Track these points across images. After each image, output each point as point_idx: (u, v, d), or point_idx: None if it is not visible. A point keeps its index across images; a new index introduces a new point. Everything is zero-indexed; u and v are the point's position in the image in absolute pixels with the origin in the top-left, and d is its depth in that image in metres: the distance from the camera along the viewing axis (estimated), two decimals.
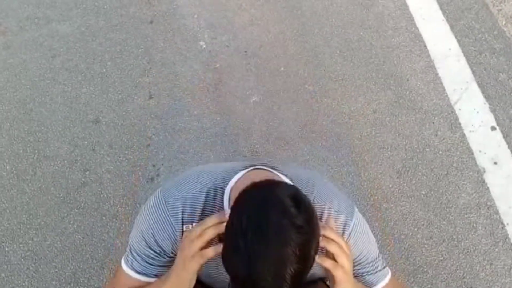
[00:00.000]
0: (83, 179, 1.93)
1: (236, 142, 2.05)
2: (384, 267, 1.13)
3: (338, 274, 0.93)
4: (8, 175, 1.94)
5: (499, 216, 1.84)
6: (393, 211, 1.86)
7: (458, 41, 2.36)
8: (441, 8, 2.50)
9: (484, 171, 1.95)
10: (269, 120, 2.11)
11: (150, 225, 1.03)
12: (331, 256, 0.94)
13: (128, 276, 1.05)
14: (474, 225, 1.83)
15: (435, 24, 2.44)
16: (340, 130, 2.07)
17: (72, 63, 2.30)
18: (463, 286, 1.70)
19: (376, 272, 1.10)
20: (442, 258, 1.76)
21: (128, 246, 1.07)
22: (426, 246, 1.78)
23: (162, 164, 1.98)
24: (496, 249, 1.77)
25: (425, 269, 1.73)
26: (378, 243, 1.75)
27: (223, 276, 1.07)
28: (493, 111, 2.12)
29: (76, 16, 2.48)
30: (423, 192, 1.91)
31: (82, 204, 1.87)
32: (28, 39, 2.38)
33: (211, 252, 0.91)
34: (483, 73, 2.24)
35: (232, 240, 0.81)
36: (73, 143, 2.03)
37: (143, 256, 1.03)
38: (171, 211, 1.02)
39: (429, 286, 1.70)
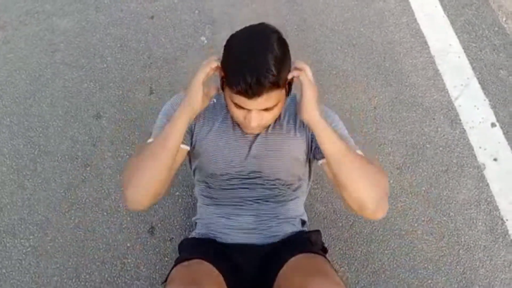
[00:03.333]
0: (84, 175, 1.93)
1: None
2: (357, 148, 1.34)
3: (304, 79, 1.15)
4: (8, 171, 1.94)
5: (499, 212, 1.85)
6: (394, 207, 1.86)
7: (459, 37, 2.36)
8: (441, 4, 2.50)
9: (484, 167, 1.96)
10: None
11: (170, 103, 1.36)
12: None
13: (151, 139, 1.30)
14: (474, 221, 1.84)
15: (435, 20, 2.44)
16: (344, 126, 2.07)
17: (73, 58, 2.29)
18: (463, 281, 1.71)
19: (351, 145, 1.31)
20: (442, 253, 1.76)
21: (151, 132, 1.34)
22: (426, 242, 1.79)
23: None
24: (496, 245, 1.78)
25: (426, 265, 1.74)
26: (378, 239, 1.76)
27: (227, 146, 1.34)
28: (493, 107, 2.13)
29: (76, 11, 2.47)
30: (424, 188, 1.91)
31: (83, 200, 1.87)
32: (28, 34, 2.38)
33: (214, 62, 1.17)
34: (484, 70, 2.25)
35: (228, 47, 1.16)
36: (74, 138, 2.03)
37: (163, 126, 1.24)
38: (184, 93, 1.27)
39: (429, 281, 1.71)
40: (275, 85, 1.10)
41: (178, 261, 1.29)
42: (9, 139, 2.02)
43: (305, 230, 1.47)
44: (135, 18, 2.44)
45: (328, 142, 1.16)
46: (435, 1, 2.52)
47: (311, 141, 1.35)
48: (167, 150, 1.19)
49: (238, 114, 1.20)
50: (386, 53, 2.32)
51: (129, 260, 1.73)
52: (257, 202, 1.36)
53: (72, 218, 1.83)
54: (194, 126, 1.35)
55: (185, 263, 1.25)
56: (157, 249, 1.76)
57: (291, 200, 1.41)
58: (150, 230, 1.79)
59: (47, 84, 2.19)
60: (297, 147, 1.36)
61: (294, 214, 1.43)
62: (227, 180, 1.36)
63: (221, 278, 1.23)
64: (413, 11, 2.48)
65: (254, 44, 1.12)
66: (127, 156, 1.97)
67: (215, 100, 1.31)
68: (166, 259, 1.74)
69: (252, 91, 1.09)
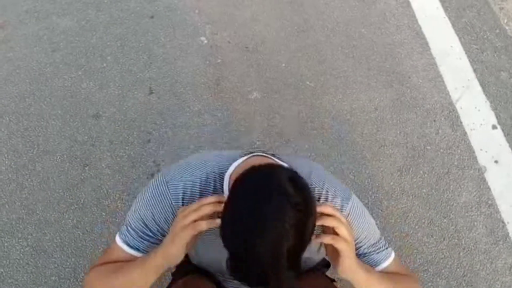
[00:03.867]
0: (82, 175, 1.92)
1: (237, 138, 2.04)
2: (387, 248, 1.14)
3: (340, 245, 0.94)
4: (7, 170, 1.93)
5: (500, 215, 1.84)
6: (394, 209, 1.86)
7: (460, 39, 2.36)
8: (443, 6, 2.49)
9: (485, 170, 1.95)
10: (270, 116, 2.11)
11: (150, 204, 1.05)
12: (330, 231, 0.96)
13: (121, 249, 1.07)
14: (475, 223, 1.83)
15: (437, 22, 2.43)
16: (341, 128, 2.07)
17: (72, 57, 2.28)
18: (464, 284, 1.70)
19: (379, 252, 1.12)
20: (442, 256, 1.76)
21: (125, 221, 1.09)
22: (427, 244, 1.78)
23: (163, 160, 1.97)
24: (497, 248, 1.77)
25: (426, 267, 1.73)
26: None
27: (216, 258, 1.08)
28: (494, 109, 2.12)
29: (76, 10, 2.46)
30: (424, 190, 1.90)
31: (82, 200, 1.86)
32: (28, 33, 2.37)
33: (203, 224, 0.92)
34: (485, 72, 2.24)
35: (231, 217, 0.84)
36: (73, 138, 2.02)
37: (139, 232, 1.05)
38: (172, 191, 1.04)
39: (429, 284, 1.70)
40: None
41: (172, 282, 1.24)
42: (8, 138, 2.01)
43: None
44: (135, 18, 2.44)
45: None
46: (437, 3, 2.51)
47: None
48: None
49: None
50: (387, 55, 2.31)
51: None
52: None
53: (71, 218, 1.82)
54: None
55: (184, 278, 1.19)
56: None
57: None
58: None
59: (46, 83, 2.18)
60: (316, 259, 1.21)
61: None
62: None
63: None
64: (414, 12, 2.47)
65: (264, 224, 0.80)
66: (126, 156, 1.96)
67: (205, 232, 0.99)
68: None
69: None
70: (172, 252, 0.95)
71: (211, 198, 0.95)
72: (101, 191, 1.88)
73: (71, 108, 2.11)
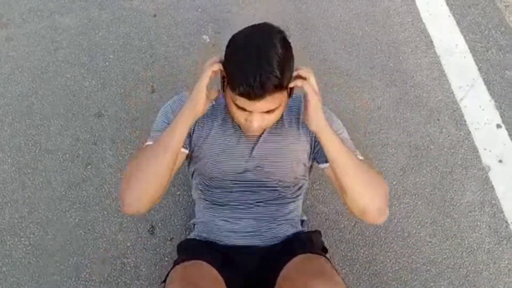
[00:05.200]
0: (84, 174, 1.92)
1: None
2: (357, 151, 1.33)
3: (308, 88, 1.13)
4: (9, 169, 1.93)
5: (504, 215, 1.83)
6: (397, 209, 1.84)
7: (465, 37, 2.34)
8: (447, 4, 2.47)
9: (489, 169, 1.94)
10: None
11: (170, 105, 1.34)
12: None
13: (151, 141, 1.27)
14: (478, 223, 1.81)
15: (441, 20, 2.41)
16: (344, 126, 2.05)
17: (75, 56, 2.28)
18: (466, 284, 1.69)
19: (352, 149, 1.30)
20: (445, 256, 1.74)
21: (150, 134, 1.30)
22: (429, 244, 1.77)
23: None
24: (500, 248, 1.76)
25: (429, 267, 1.72)
26: (380, 241, 1.75)
27: (234, 162, 1.33)
28: (498, 108, 2.10)
29: (78, 8, 2.46)
30: (427, 190, 1.89)
31: (84, 199, 1.86)
32: (31, 31, 2.37)
33: (217, 66, 1.15)
34: (490, 70, 2.22)
35: (231, 51, 1.14)
36: (75, 137, 2.02)
37: (163, 130, 1.22)
38: (186, 94, 1.33)
39: (432, 284, 1.69)
40: (278, 87, 1.09)
41: (176, 262, 1.28)
42: (11, 137, 2.02)
43: (305, 230, 1.46)
44: (138, 16, 2.43)
45: (334, 149, 1.17)
46: (441, 1, 2.49)
47: (314, 144, 1.34)
48: (168, 153, 1.17)
49: (239, 115, 1.18)
50: (390, 53, 2.30)
51: (129, 260, 1.72)
52: (258, 205, 1.35)
53: (73, 217, 1.82)
54: (194, 128, 1.33)
55: (184, 264, 1.24)
56: (157, 249, 1.75)
57: (292, 201, 1.40)
58: (151, 229, 1.78)
59: (49, 82, 2.19)
60: (300, 148, 1.35)
61: (294, 215, 1.42)
62: (227, 183, 1.35)
63: (220, 279, 1.22)
64: (418, 10, 2.45)
65: (257, 45, 1.09)
66: (128, 155, 1.96)
67: (214, 102, 1.28)
68: (166, 258, 1.73)
69: (254, 94, 1.07)
70: (198, 91, 1.16)
71: (218, 57, 1.18)
72: (103, 190, 1.88)
73: (73, 107, 2.11)
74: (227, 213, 1.36)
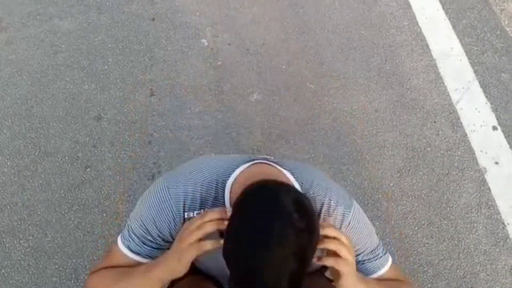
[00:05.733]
0: (84, 176, 1.93)
1: (238, 140, 2.04)
2: (385, 254, 1.15)
3: (342, 268, 0.94)
4: (9, 171, 1.94)
5: (500, 216, 1.84)
6: (394, 210, 1.86)
7: (460, 41, 2.36)
8: (443, 7, 2.50)
9: (485, 171, 1.95)
10: (271, 118, 2.11)
11: (151, 209, 1.05)
12: (332, 253, 0.95)
13: (122, 254, 1.07)
14: (475, 224, 1.83)
15: (437, 23, 2.44)
16: (341, 129, 2.07)
17: (74, 59, 2.29)
18: (464, 285, 1.70)
19: (377, 259, 1.12)
20: (442, 257, 1.76)
21: (126, 226, 1.09)
22: (426, 245, 1.78)
23: (163, 162, 1.97)
24: (497, 249, 1.77)
25: (426, 269, 1.73)
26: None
27: (221, 265, 1.01)
28: (494, 110, 2.12)
29: (78, 12, 2.48)
30: (424, 192, 1.90)
31: (83, 201, 1.87)
32: (30, 35, 2.38)
33: (209, 245, 0.92)
34: (485, 73, 2.24)
35: (234, 240, 0.84)
36: (74, 139, 2.03)
37: (140, 237, 1.05)
38: (173, 197, 1.03)
39: (429, 285, 1.70)
40: None
41: (173, 283, 1.25)
42: (10, 139, 2.03)
43: None
44: (137, 20, 2.45)
45: None
46: (437, 4, 2.51)
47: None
48: None
49: None
50: (387, 56, 2.32)
51: None
52: None
53: (72, 219, 1.83)
54: None
55: (184, 280, 1.18)
56: None
57: None
58: None
59: (48, 85, 2.20)
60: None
61: None
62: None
63: None
64: (414, 14, 2.47)
65: (265, 251, 0.80)
66: (127, 158, 1.97)
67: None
68: None
69: None
70: (177, 268, 0.95)
71: (214, 214, 0.94)
72: (102, 192, 1.89)
73: (72, 110, 2.12)
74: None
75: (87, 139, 2.03)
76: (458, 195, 1.89)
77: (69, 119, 2.09)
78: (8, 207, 1.86)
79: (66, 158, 1.98)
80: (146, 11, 2.49)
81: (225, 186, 1.03)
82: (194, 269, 1.23)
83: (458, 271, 1.73)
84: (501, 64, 2.27)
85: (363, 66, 2.28)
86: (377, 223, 1.82)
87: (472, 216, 1.84)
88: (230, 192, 1.01)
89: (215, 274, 1.19)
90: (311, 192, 1.03)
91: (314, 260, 0.88)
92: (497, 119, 2.09)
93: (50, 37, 2.38)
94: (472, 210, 1.86)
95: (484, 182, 1.93)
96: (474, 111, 2.12)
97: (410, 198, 1.89)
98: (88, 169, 1.95)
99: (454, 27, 2.41)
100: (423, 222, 1.83)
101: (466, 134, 2.05)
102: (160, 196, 1.04)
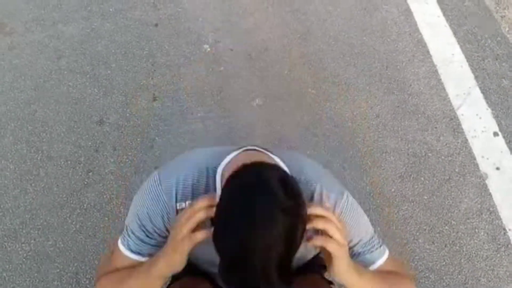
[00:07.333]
0: (86, 180, 1.94)
1: (239, 145, 2.05)
2: (381, 246, 1.13)
3: (331, 247, 0.92)
4: (11, 175, 1.95)
5: (501, 222, 1.84)
6: (395, 216, 1.86)
7: (461, 47, 2.37)
8: (444, 14, 2.51)
9: (487, 177, 1.96)
10: (272, 123, 2.12)
11: (145, 204, 1.06)
12: (321, 233, 0.93)
13: (124, 255, 1.08)
14: (476, 230, 1.83)
15: (438, 30, 2.45)
16: (342, 134, 2.08)
17: (77, 64, 2.31)
18: None
19: (373, 251, 1.11)
20: (444, 263, 1.76)
21: (125, 226, 1.10)
22: (428, 251, 1.78)
23: None
24: (498, 255, 1.77)
25: (427, 274, 1.73)
26: None
27: (211, 256, 1.02)
28: (495, 117, 2.12)
29: (81, 18, 2.50)
30: (425, 197, 1.91)
31: (85, 205, 1.87)
32: (34, 40, 2.40)
33: (200, 235, 0.92)
34: (486, 79, 2.25)
35: (222, 223, 0.84)
36: (77, 144, 2.04)
37: (138, 235, 1.06)
38: (165, 189, 1.04)
39: None
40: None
41: (175, 278, 1.24)
42: (13, 143, 2.04)
43: None
44: (140, 26, 2.47)
45: None
46: (438, 11, 2.53)
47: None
48: None
49: None
50: (388, 62, 2.33)
51: None
52: None
53: (74, 223, 1.83)
54: None
55: (182, 280, 1.20)
56: None
57: None
58: None
59: (51, 90, 2.21)
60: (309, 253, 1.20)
61: None
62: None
63: None
64: (415, 20, 2.49)
65: (252, 232, 0.80)
66: (129, 162, 1.98)
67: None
68: None
69: None
70: (175, 260, 0.95)
71: (202, 202, 0.93)
72: (104, 196, 1.89)
73: (75, 115, 2.13)
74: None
75: (90, 143, 2.04)
76: (459, 201, 1.90)
77: (72, 123, 2.10)
78: (10, 210, 1.86)
79: (69, 162, 1.99)
80: (149, 17, 2.51)
81: (215, 173, 1.02)
82: (191, 269, 1.23)
83: (459, 276, 1.73)
84: (502, 70, 2.28)
85: (365, 72, 2.29)
86: (379, 228, 1.82)
87: (474, 222, 1.84)
88: (222, 179, 1.01)
89: (209, 266, 1.19)
90: (302, 178, 1.02)
91: (303, 240, 0.86)
92: (498, 125, 2.10)
93: (53, 42, 2.40)
94: (474, 215, 1.86)
95: (485, 188, 1.93)
96: (475, 117, 2.13)
97: (412, 204, 1.89)
98: (90, 173, 1.96)
99: (455, 33, 2.42)
100: (424, 227, 1.83)
101: (467, 140, 2.06)
102: (152, 191, 1.05)
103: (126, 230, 1.09)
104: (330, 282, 1.26)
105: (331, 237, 0.92)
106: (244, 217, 0.80)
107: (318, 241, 0.92)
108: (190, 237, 0.92)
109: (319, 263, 1.29)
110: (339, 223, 0.93)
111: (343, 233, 0.94)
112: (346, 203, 1.07)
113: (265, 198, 0.80)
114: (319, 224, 0.91)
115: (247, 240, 0.79)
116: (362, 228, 1.11)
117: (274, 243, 0.79)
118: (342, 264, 0.95)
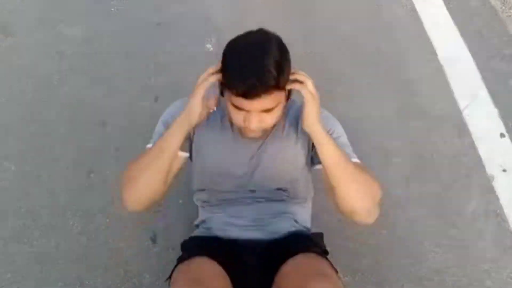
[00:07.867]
0: (88, 181, 1.93)
1: None
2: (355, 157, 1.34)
3: (305, 92, 1.15)
4: (13, 177, 1.94)
5: (508, 224, 1.82)
6: (401, 218, 1.84)
7: (468, 47, 2.35)
8: (450, 14, 2.49)
9: (493, 179, 1.93)
10: None
11: (170, 110, 1.36)
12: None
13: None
14: (482, 232, 1.80)
15: (444, 30, 2.43)
16: (347, 135, 2.05)
17: (79, 65, 2.30)
18: None
19: (349, 153, 1.32)
20: (449, 265, 1.73)
21: (152, 137, 1.35)
22: (433, 253, 1.76)
23: None
24: (505, 257, 1.75)
25: (432, 277, 1.71)
26: (383, 250, 1.73)
27: (221, 155, 1.34)
28: (502, 117, 2.10)
29: (84, 18, 2.49)
30: (431, 199, 1.88)
31: (87, 207, 1.86)
32: (36, 41, 2.39)
33: (213, 78, 1.17)
34: (493, 79, 2.23)
35: (228, 55, 1.16)
36: (79, 145, 2.03)
37: (163, 132, 1.26)
38: (183, 99, 1.33)
39: None
40: (275, 86, 1.10)
41: (180, 260, 1.30)
42: (15, 145, 2.03)
43: (307, 231, 1.48)
44: (142, 26, 2.46)
45: (327, 154, 1.19)
46: (444, 11, 2.51)
47: (312, 146, 1.34)
48: (165, 157, 1.22)
49: (238, 117, 1.19)
50: (394, 62, 2.31)
51: (131, 268, 1.72)
52: (259, 202, 1.38)
53: (76, 224, 1.82)
54: (194, 134, 1.35)
55: (188, 261, 1.26)
56: (159, 257, 1.74)
57: (294, 204, 1.41)
58: (153, 238, 1.78)
59: (53, 91, 2.20)
60: (299, 153, 1.36)
61: (296, 216, 1.43)
62: (228, 187, 1.37)
63: (224, 274, 1.23)
64: (421, 20, 2.47)
65: (254, 48, 1.12)
66: None
67: (215, 108, 1.29)
68: (169, 266, 1.71)
69: (252, 92, 1.09)
70: (193, 103, 1.18)
71: (212, 68, 1.19)
72: (107, 198, 1.88)
73: (77, 116, 2.12)
74: (229, 210, 1.40)
75: (92, 144, 2.03)
76: (465, 203, 1.87)
77: (74, 124, 2.09)
78: (12, 212, 1.85)
79: (71, 163, 1.98)
80: (152, 17, 2.50)
81: None
82: (201, 249, 1.32)
83: (464, 279, 1.70)
84: (509, 71, 2.25)
85: (370, 72, 2.27)
86: (384, 231, 1.79)
87: (480, 224, 1.82)
88: None
89: (217, 171, 1.36)
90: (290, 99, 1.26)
91: (287, 86, 1.16)
92: (505, 126, 2.07)
93: (56, 42, 2.39)
94: (480, 217, 1.84)
95: (491, 189, 1.90)
96: (482, 117, 2.10)
97: (417, 206, 1.87)
98: (92, 175, 1.95)
99: (461, 33, 2.40)
100: (430, 229, 1.81)
101: (473, 141, 2.03)
102: (176, 102, 1.39)
103: (153, 135, 1.34)
104: (332, 265, 1.28)
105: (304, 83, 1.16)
106: (246, 41, 1.17)
107: (296, 85, 1.16)
108: (203, 81, 1.17)
109: (323, 250, 1.40)
110: (314, 87, 1.17)
111: (317, 94, 1.17)
112: (327, 114, 1.39)
113: (262, 35, 1.17)
114: (300, 77, 1.16)
115: (251, 45, 1.14)
116: (340, 130, 1.38)
117: (271, 49, 1.11)
118: (312, 112, 1.16)
